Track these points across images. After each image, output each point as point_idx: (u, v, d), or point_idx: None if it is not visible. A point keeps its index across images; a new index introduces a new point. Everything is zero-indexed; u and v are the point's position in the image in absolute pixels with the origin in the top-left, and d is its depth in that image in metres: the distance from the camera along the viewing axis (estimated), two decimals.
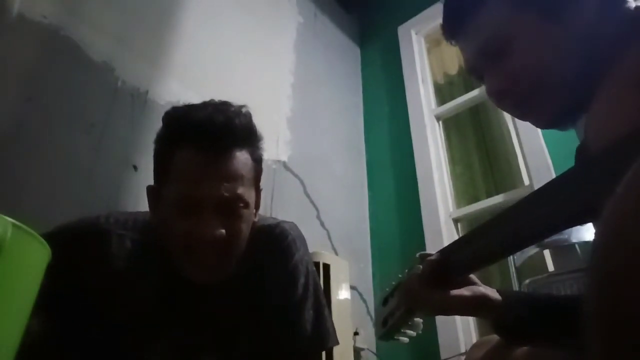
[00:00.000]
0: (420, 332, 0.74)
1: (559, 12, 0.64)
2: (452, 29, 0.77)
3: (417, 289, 0.67)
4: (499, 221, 0.60)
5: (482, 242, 0.62)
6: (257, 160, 0.83)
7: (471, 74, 0.77)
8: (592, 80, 0.58)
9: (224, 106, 0.80)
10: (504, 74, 0.68)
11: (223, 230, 0.75)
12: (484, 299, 0.67)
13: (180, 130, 0.78)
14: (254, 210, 0.84)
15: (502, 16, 0.68)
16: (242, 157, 0.78)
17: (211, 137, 0.76)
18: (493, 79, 0.71)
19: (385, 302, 0.78)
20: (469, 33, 0.73)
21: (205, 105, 0.81)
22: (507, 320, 0.67)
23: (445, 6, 0.77)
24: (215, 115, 0.77)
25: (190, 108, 0.81)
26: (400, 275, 0.77)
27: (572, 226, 0.54)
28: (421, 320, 0.73)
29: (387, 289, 0.80)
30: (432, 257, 0.69)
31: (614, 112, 0.52)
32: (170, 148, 0.79)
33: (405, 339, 0.75)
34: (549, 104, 0.67)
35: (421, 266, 0.69)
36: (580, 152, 0.67)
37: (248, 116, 0.82)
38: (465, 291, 0.67)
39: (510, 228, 0.58)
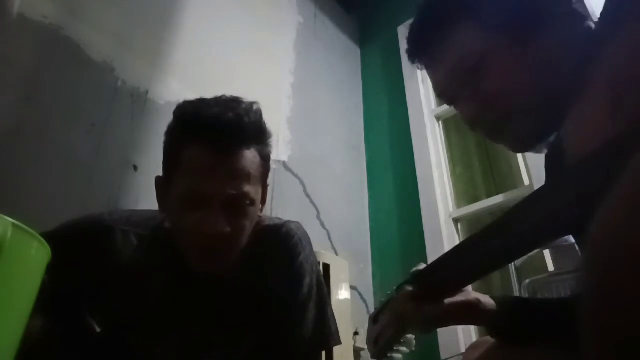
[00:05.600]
0: (413, 349, 0.71)
1: (527, 38, 0.64)
2: (420, 48, 0.74)
3: (407, 304, 0.66)
4: (484, 236, 0.58)
5: (469, 258, 0.61)
6: (265, 158, 0.84)
7: (441, 97, 0.75)
8: (562, 100, 0.58)
9: (234, 103, 0.80)
10: (479, 98, 0.67)
11: (228, 228, 0.77)
12: (477, 303, 0.67)
13: (190, 125, 0.79)
14: (260, 206, 0.86)
15: (474, 37, 0.67)
16: (250, 155, 0.79)
17: (221, 134, 0.76)
18: (466, 105, 0.70)
19: (375, 320, 0.76)
20: (439, 53, 0.71)
21: (217, 101, 0.81)
22: (501, 324, 0.67)
23: (413, 24, 0.74)
24: (225, 113, 0.77)
25: (201, 103, 0.81)
26: (389, 292, 0.75)
27: (555, 239, 0.54)
28: (413, 337, 0.71)
29: (376, 308, 0.78)
30: (422, 269, 0.68)
31: (587, 125, 0.52)
32: (180, 142, 0.79)
33: (399, 356, 0.73)
34: (520, 130, 0.67)
35: (409, 287, 0.67)
36: (553, 159, 0.67)
37: (258, 113, 0.82)
38: (458, 297, 0.67)
39: (496, 243, 0.56)
